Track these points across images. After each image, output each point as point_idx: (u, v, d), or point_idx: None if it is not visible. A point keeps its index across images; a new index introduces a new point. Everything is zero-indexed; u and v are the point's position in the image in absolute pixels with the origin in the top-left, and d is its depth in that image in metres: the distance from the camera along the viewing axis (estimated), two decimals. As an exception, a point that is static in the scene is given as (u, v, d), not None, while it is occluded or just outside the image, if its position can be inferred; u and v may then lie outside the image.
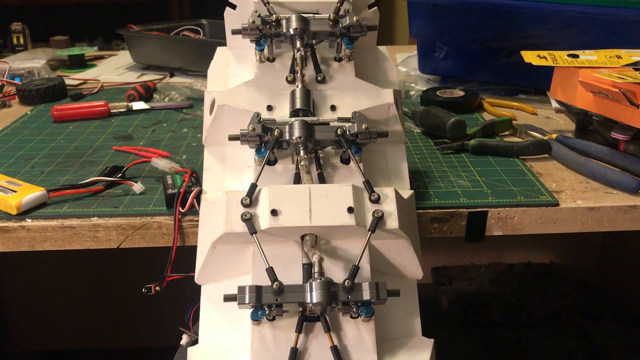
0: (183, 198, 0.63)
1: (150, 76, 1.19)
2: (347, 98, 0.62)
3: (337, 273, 0.52)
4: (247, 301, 0.48)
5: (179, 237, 0.63)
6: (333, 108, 0.61)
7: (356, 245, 0.54)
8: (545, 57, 0.81)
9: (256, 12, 0.62)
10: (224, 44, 0.68)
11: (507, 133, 0.85)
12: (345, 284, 0.48)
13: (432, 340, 0.53)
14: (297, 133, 0.55)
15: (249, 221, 0.51)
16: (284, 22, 0.60)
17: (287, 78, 0.61)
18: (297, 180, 0.57)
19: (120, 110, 0.95)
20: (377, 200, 0.53)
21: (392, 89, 0.64)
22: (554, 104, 0.96)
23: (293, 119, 0.57)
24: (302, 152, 0.55)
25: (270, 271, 0.49)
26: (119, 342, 1.42)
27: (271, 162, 0.58)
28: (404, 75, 1.14)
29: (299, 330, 0.49)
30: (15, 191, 0.64)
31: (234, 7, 0.66)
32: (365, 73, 0.66)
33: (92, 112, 0.94)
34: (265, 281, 0.49)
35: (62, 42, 1.37)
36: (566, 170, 0.73)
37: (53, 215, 0.63)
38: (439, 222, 0.64)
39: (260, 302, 0.48)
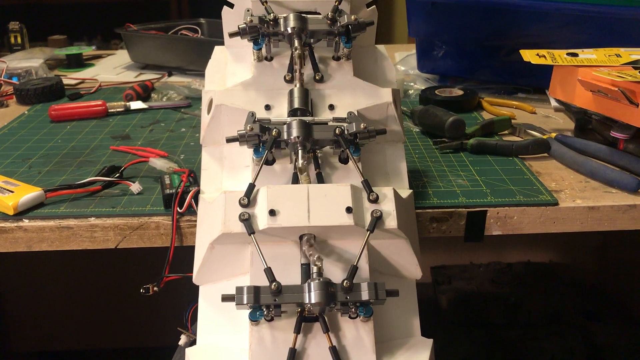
0: (181, 198, 0.63)
1: (148, 75, 1.19)
2: (346, 97, 0.62)
3: (335, 273, 0.52)
4: (245, 302, 0.47)
5: (177, 237, 0.63)
6: (331, 107, 0.61)
7: (355, 245, 0.53)
8: (544, 56, 0.81)
9: (248, 11, 0.62)
10: (222, 43, 0.68)
11: (506, 132, 0.85)
12: (344, 284, 0.48)
13: (431, 341, 0.53)
14: (295, 133, 0.55)
15: (247, 221, 0.51)
16: (281, 21, 0.60)
17: (285, 77, 0.61)
18: (296, 180, 0.56)
19: (117, 109, 0.95)
20: (375, 200, 0.53)
21: (391, 88, 0.63)
22: (553, 103, 0.96)
23: (291, 118, 0.57)
24: (300, 152, 0.55)
25: (269, 271, 0.48)
26: (117, 343, 1.42)
27: (269, 162, 0.58)
28: (402, 74, 1.14)
29: (297, 330, 0.49)
30: (12, 191, 0.64)
31: (231, 6, 0.65)
32: (363, 72, 0.65)
33: (90, 112, 0.93)
34: (263, 281, 0.48)
35: (60, 41, 1.36)
36: (565, 169, 0.73)
37: (50, 215, 0.62)
38: (438, 222, 0.64)
39: (258, 302, 0.48)
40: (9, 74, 1.13)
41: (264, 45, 0.61)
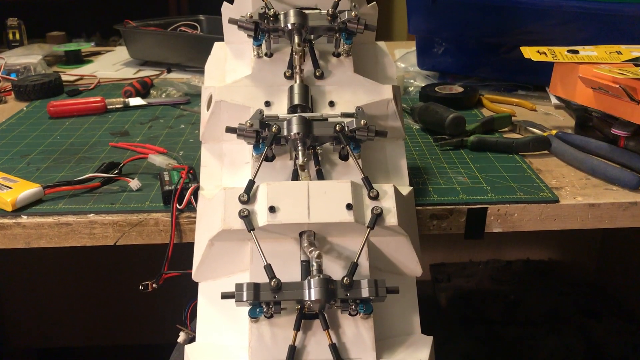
0: (180, 195, 0.62)
1: (147, 72, 1.18)
2: (346, 94, 0.62)
3: (335, 270, 0.52)
4: (244, 299, 0.47)
5: (176, 234, 0.62)
6: (332, 104, 0.61)
7: (355, 242, 0.53)
8: (544, 53, 0.80)
9: (249, 10, 0.61)
10: (222, 40, 0.68)
11: (506, 129, 0.85)
12: (344, 281, 0.48)
13: (431, 338, 0.53)
14: (295, 129, 0.54)
15: (247, 218, 0.51)
16: (282, 16, 0.60)
17: (285, 73, 0.61)
18: (296, 176, 0.56)
19: (116, 106, 0.94)
20: (376, 197, 0.53)
21: (391, 84, 0.63)
22: (554, 100, 0.96)
23: (291, 114, 0.57)
24: (300, 149, 0.54)
25: (268, 268, 0.48)
26: (116, 340, 1.42)
27: (269, 159, 0.58)
28: (402, 72, 1.14)
29: (297, 327, 0.49)
30: (10, 188, 0.64)
31: (231, 1, 0.65)
32: (364, 69, 0.65)
33: (89, 108, 0.93)
34: (263, 278, 0.48)
35: (59, 37, 1.36)
36: (566, 166, 0.73)
37: (49, 212, 0.62)
38: (438, 219, 0.63)
39: (258, 299, 0.47)
40: (7, 70, 1.13)
41: (264, 42, 0.61)
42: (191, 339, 0.64)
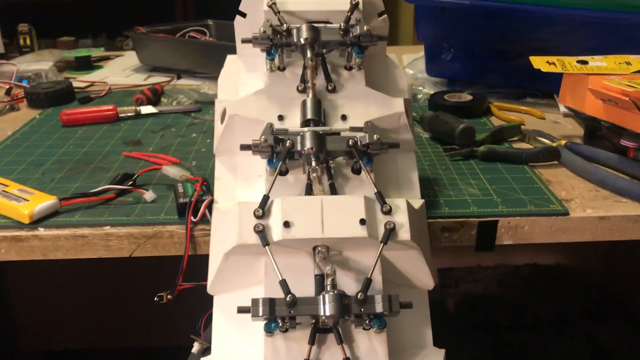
0: (194, 207, 0.63)
1: (157, 78, 1.19)
2: (358, 107, 0.62)
3: (349, 284, 0.52)
4: (260, 314, 0.48)
5: (191, 245, 0.63)
6: (344, 117, 0.62)
7: (368, 257, 0.54)
8: (554, 63, 0.81)
9: (268, 21, 0.62)
10: (231, 46, 0.68)
11: (515, 138, 0.85)
12: (358, 297, 0.49)
13: (443, 351, 0.54)
14: (308, 144, 0.55)
15: (262, 233, 0.52)
16: (294, 31, 0.61)
17: (297, 87, 0.62)
18: (309, 191, 0.57)
19: (128, 114, 0.95)
20: (388, 212, 0.54)
21: (403, 97, 0.64)
22: (562, 109, 0.96)
23: (305, 128, 0.58)
24: (313, 163, 0.55)
25: (284, 284, 0.49)
26: (129, 342, 1.43)
27: (283, 173, 0.59)
28: (411, 78, 1.14)
29: (311, 342, 0.50)
30: (27, 200, 0.65)
31: (244, 15, 0.66)
32: (375, 81, 0.66)
33: (101, 117, 0.94)
34: (277, 292, 0.49)
35: (69, 43, 1.37)
36: (575, 177, 0.73)
37: (65, 224, 0.63)
38: (450, 231, 0.64)
39: (273, 314, 0.48)
40: (20, 76, 1.14)
41: (277, 56, 0.62)
42: (205, 349, 0.65)
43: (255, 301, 0.48)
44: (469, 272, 1.27)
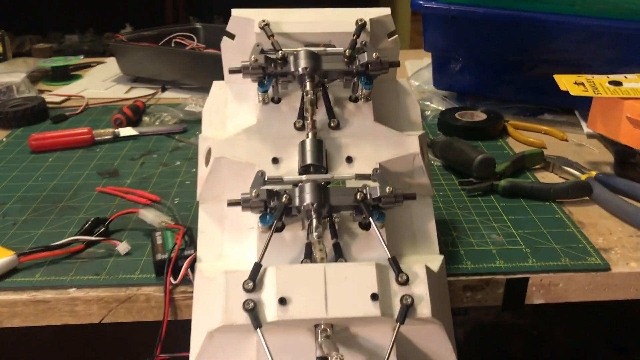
0: (175, 265, 0.54)
1: (139, 90, 1.09)
2: (366, 147, 0.53)
3: (358, 368, 0.44)
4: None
5: (171, 310, 0.54)
6: (349, 160, 0.52)
7: (381, 335, 0.45)
8: (582, 84, 0.72)
9: (259, 45, 0.53)
10: (219, 56, 0.58)
11: (538, 166, 0.76)
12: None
13: None
14: (308, 199, 0.46)
15: (253, 312, 0.43)
16: (291, 59, 0.51)
17: (295, 124, 0.53)
18: (309, 252, 0.48)
19: (105, 137, 0.86)
20: (405, 282, 0.45)
21: (418, 133, 0.55)
22: (586, 129, 0.87)
23: (304, 177, 0.49)
24: (314, 222, 0.46)
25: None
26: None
27: (278, 229, 0.49)
28: (416, 91, 1.05)
29: None
30: (-21, 256, 0.55)
31: (232, 37, 0.56)
32: (384, 113, 0.57)
33: (75, 141, 0.84)
34: (271, 380, 0.40)
35: (45, 50, 1.26)
36: (611, 218, 0.64)
37: (24, 286, 0.54)
38: (472, 291, 0.55)
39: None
40: (-12, 90, 1.04)
41: (270, 87, 0.52)
42: None
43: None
44: (478, 297, 1.18)
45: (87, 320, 0.54)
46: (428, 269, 0.46)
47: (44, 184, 0.73)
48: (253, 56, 0.51)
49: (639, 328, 1.13)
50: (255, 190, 0.47)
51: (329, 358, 0.42)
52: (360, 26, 0.54)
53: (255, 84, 0.53)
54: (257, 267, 0.45)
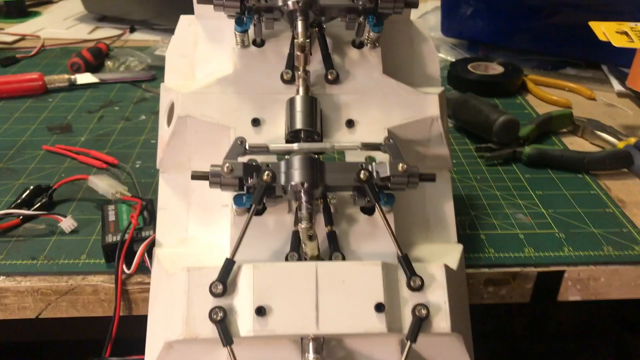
0: (129, 249, 0.43)
1: (105, 31, 0.95)
2: (372, 108, 0.42)
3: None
4: None
5: (124, 304, 0.44)
6: (350, 124, 0.41)
7: (384, 351, 0.35)
8: (626, 34, 0.60)
9: None
10: None
11: (565, 130, 0.65)
12: None
13: None
14: (298, 177, 0.35)
15: (222, 323, 0.33)
16: (279, -10, 0.39)
17: (282, 75, 0.41)
18: (296, 242, 0.37)
19: (59, 85, 0.73)
20: (419, 288, 0.35)
21: (437, 91, 0.43)
22: (617, 86, 0.76)
23: (295, 146, 0.38)
24: (305, 208, 0.35)
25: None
26: None
27: (258, 212, 0.39)
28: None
29: None
30: None
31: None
32: (394, 62, 0.45)
33: (24, 88, 0.72)
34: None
35: (-2, -18, 1.11)
36: (656, 195, 0.54)
37: (-61, 272, 0.43)
38: (495, 285, 0.45)
39: None
40: None
41: (251, 26, 0.40)
42: None
43: None
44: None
45: (20, 315, 0.44)
46: (447, 269, 0.36)
47: (-19, 140, 0.62)
48: (228, -21, 0.38)
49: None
50: (228, 164, 0.35)
51: None
52: (369, -52, 0.41)
53: (232, 21, 0.41)
54: (229, 264, 0.34)
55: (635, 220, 0.50)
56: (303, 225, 0.35)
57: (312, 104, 0.40)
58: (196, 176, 0.37)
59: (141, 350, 0.38)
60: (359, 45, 0.43)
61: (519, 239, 0.47)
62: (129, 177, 0.55)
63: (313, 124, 0.39)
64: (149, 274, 0.43)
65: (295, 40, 0.38)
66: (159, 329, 0.38)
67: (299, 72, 0.40)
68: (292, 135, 0.39)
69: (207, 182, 0.37)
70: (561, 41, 0.85)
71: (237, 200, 0.37)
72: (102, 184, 0.50)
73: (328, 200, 0.38)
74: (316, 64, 0.42)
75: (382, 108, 0.42)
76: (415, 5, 0.41)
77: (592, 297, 0.46)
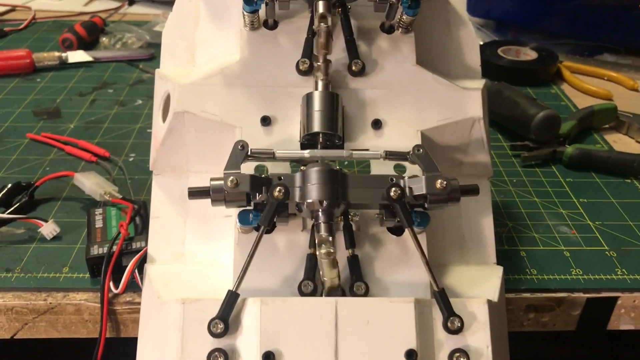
0: (117, 263, 0.38)
1: (102, 3, 0.89)
2: (402, 106, 0.36)
3: None
4: None
5: (111, 325, 0.38)
6: (377, 124, 0.35)
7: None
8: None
9: None
10: None
11: (607, 126, 0.59)
12: None
13: None
14: (316, 195, 0.29)
15: (223, 372, 0.27)
16: (295, -37, 0.33)
17: (298, 65, 0.35)
18: (311, 268, 0.31)
19: (49, 63, 0.66)
20: (458, 331, 0.29)
21: (479, 85, 0.37)
22: (663, 76, 0.69)
23: (308, 153, 0.32)
24: (324, 228, 0.29)
25: None
26: None
27: (267, 231, 0.33)
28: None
29: None
30: None
31: None
32: (428, 50, 0.39)
33: (10, 66, 0.65)
34: None
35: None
36: None
37: None
38: (538, 311, 0.40)
39: None
40: None
41: (263, 5, 0.34)
42: None
43: None
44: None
45: (-7, 336, 0.38)
46: (490, 305, 0.30)
47: (-40, 125, 0.56)
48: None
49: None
50: (232, 177, 0.29)
51: None
52: None
53: (240, 2, 0.34)
54: (233, 298, 0.29)
55: (696, 237, 0.44)
56: (323, 250, 0.29)
57: (332, 101, 0.33)
58: (194, 193, 0.31)
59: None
60: (389, 30, 0.36)
61: (564, 257, 0.41)
62: (120, 172, 0.49)
63: (334, 126, 0.33)
64: (140, 292, 0.37)
65: (315, 22, 0.32)
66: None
67: (319, 63, 0.33)
68: (308, 139, 0.33)
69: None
70: (596, 24, 0.78)
71: (242, 217, 0.31)
72: (89, 183, 0.44)
73: (350, 217, 0.32)
74: (338, 52, 0.35)
75: (414, 106, 0.36)
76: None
77: (648, 326, 0.41)
